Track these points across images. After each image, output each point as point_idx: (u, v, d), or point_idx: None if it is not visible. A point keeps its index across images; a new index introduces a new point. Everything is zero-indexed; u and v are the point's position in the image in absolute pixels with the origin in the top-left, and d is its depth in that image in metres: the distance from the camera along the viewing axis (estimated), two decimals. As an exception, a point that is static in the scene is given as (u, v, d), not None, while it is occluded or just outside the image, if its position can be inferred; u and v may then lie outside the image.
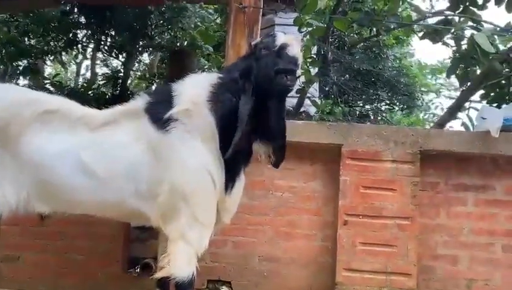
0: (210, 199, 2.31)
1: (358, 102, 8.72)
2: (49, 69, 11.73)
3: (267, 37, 2.41)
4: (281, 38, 2.33)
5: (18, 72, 7.19)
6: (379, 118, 8.39)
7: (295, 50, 2.30)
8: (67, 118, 2.28)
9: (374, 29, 5.93)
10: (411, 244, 3.11)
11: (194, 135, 2.28)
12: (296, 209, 3.26)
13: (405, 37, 8.67)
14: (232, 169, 2.38)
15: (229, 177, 2.37)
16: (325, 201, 3.26)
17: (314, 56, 4.47)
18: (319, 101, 5.40)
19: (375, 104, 8.80)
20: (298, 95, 4.68)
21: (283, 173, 3.23)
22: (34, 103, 2.27)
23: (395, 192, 3.15)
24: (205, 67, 8.00)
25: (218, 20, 8.21)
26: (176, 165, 2.26)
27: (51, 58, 8.11)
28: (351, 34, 7.27)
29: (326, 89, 7.23)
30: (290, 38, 2.35)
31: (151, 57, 9.65)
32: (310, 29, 3.73)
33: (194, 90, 2.35)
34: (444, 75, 9.93)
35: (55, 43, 7.47)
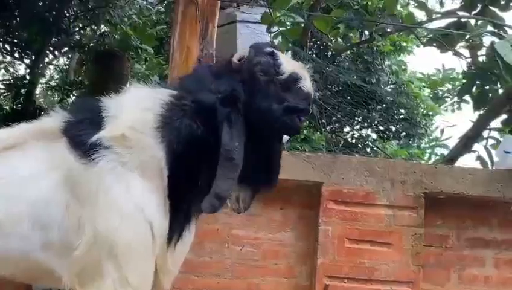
0: (146, 255, 2.25)
1: (344, 127, 8.86)
2: None
3: (258, 54, 2.38)
4: (287, 65, 2.34)
5: None
6: (370, 148, 8.53)
7: (308, 84, 2.34)
8: None
9: (366, 32, 6.07)
10: (412, 318, 3.14)
11: (130, 168, 2.24)
12: (260, 269, 3.25)
13: (406, 44, 8.90)
14: (180, 216, 2.34)
15: (176, 227, 2.33)
16: (299, 258, 3.26)
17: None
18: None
19: (366, 131, 8.95)
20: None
21: (243, 220, 3.23)
22: None
23: (391, 247, 3.18)
24: (140, 74, 7.99)
25: (161, 13, 8.26)
26: (102, 207, 2.21)
27: None
28: (336, 38, 7.42)
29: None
30: (299, 67, 2.38)
31: (68, 59, 9.57)
32: (282, 29, 3.78)
33: (136, 110, 2.32)
34: (444, 88, 10.26)
35: None
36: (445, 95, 10.49)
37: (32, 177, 2.23)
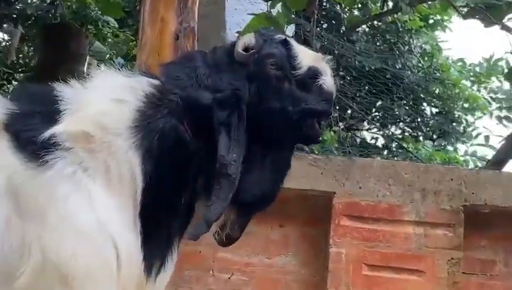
0: (109, 282, 2.22)
1: (362, 123, 8.84)
2: None
3: (268, 42, 2.44)
4: (303, 57, 2.38)
5: None
6: (394, 149, 8.51)
7: (330, 81, 2.36)
8: None
9: (389, 1, 6.05)
10: None
11: (92, 175, 2.23)
12: (253, 303, 3.24)
13: (441, 17, 8.82)
14: (159, 240, 2.32)
15: (156, 253, 2.32)
16: (304, 289, 3.26)
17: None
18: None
19: (390, 128, 8.92)
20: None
21: (233, 240, 3.22)
22: None
23: (422, 276, 3.17)
24: (101, 54, 7.97)
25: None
26: (54, 224, 2.19)
27: None
28: (351, 9, 7.40)
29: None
30: (318, 59, 2.42)
31: (8, 35, 9.56)
32: (283, -3, 3.79)
33: (106, 102, 2.31)
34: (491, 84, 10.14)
35: None
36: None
37: None
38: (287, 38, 2.44)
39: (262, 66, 2.37)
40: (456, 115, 9.02)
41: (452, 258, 3.18)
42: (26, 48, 9.56)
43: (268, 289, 3.27)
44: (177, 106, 2.31)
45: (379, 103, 8.23)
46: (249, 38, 2.44)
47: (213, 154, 2.28)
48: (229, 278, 3.26)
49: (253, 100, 2.35)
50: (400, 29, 8.37)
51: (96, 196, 2.20)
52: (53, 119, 2.26)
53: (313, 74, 2.36)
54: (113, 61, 8.20)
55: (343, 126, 7.96)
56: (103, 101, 2.33)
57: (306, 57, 2.38)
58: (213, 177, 2.32)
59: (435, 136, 9.26)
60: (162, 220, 2.29)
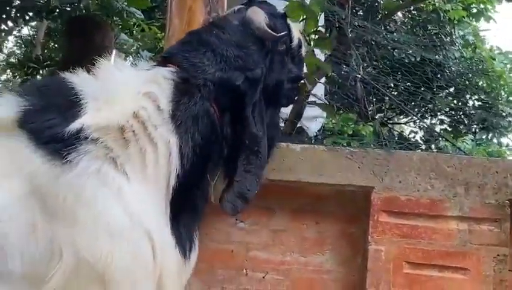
0: (146, 281, 2.30)
1: (400, 116, 8.79)
2: None
3: (274, 18, 2.71)
4: (294, 28, 2.72)
5: None
6: (434, 143, 8.45)
7: (304, 50, 2.77)
8: None
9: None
10: None
11: (122, 165, 2.27)
12: (289, 304, 3.24)
13: (483, 6, 8.72)
14: (189, 221, 2.48)
15: (188, 234, 2.46)
16: (342, 289, 3.26)
17: (323, 30, 4.47)
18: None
19: (430, 121, 8.86)
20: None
21: (267, 239, 3.25)
22: None
23: (466, 274, 3.14)
24: (127, 47, 8.01)
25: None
26: (85, 225, 2.22)
27: None
28: (388, -6, 7.36)
29: (342, 93, 7.25)
30: (298, 29, 2.76)
31: (32, 29, 9.64)
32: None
33: (136, 95, 2.39)
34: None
35: None
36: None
37: None
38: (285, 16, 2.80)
39: (278, 43, 2.63)
40: (500, 108, 8.92)
41: (498, 255, 3.14)
42: (51, 42, 9.64)
43: (305, 289, 3.26)
44: (205, 90, 2.45)
45: (419, 95, 8.17)
46: (263, 16, 2.66)
47: (235, 130, 2.51)
48: (263, 277, 3.27)
49: (267, 75, 2.60)
50: (442, 19, 8.30)
51: (125, 189, 2.26)
52: (71, 111, 2.29)
53: (299, 44, 2.74)
54: (140, 54, 8.25)
55: (380, 119, 7.91)
56: (133, 94, 2.40)
57: (295, 29, 2.71)
58: (236, 153, 2.54)
59: (477, 130, 9.18)
60: (190, 201, 2.43)
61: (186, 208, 2.44)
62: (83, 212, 2.21)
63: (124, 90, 2.39)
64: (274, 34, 2.64)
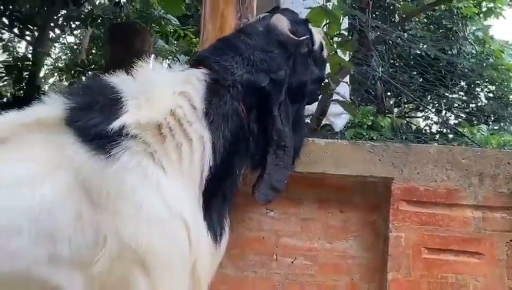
0: (183, 265, 2.31)
1: (417, 110, 8.72)
2: None
3: (297, 24, 2.73)
4: (315, 33, 2.73)
5: None
6: (450, 134, 8.38)
7: (326, 52, 2.81)
8: None
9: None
10: None
11: (160, 159, 2.29)
12: (316, 287, 3.24)
13: (493, 3, 8.62)
14: (219, 210, 2.47)
15: (216, 223, 2.45)
16: (365, 273, 3.24)
17: (345, 33, 4.44)
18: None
19: (445, 114, 8.79)
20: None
21: (295, 226, 3.23)
22: None
23: (481, 258, 3.12)
24: (164, 52, 8.01)
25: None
26: (127, 214, 2.23)
27: None
28: (406, -1, 7.30)
29: (363, 90, 7.22)
30: (319, 33, 2.81)
31: (78, 35, 9.69)
32: (338, -12, 3.75)
33: (173, 95, 2.40)
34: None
35: None
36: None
37: (29, 182, 2.22)
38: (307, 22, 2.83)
39: (300, 46, 2.64)
40: (511, 99, 8.83)
41: (511, 240, 3.12)
42: (95, 48, 9.69)
43: (331, 273, 3.25)
44: (234, 91, 2.47)
45: (434, 90, 8.12)
46: (286, 22, 2.69)
47: (261, 128, 2.54)
48: (292, 262, 3.25)
49: (291, 76, 2.60)
50: (454, 16, 8.24)
51: (163, 182, 2.28)
52: (112, 110, 2.31)
53: (321, 48, 2.78)
54: (177, 58, 8.26)
55: (397, 114, 7.87)
56: (169, 94, 2.43)
57: (316, 33, 2.74)
58: (262, 148, 2.58)
59: (489, 121, 9.09)
60: (220, 191, 2.45)
61: (217, 197, 2.45)
62: (124, 203, 2.23)
63: (161, 90, 2.40)
64: (296, 38, 2.65)
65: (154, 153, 2.28)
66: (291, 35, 2.65)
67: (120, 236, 2.20)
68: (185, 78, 2.47)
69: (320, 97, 4.37)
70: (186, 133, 2.35)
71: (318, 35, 2.80)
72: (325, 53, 2.88)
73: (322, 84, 2.86)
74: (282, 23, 2.69)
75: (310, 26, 2.84)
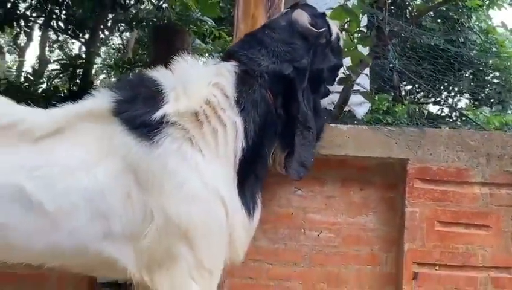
0: (220, 236, 2.35)
1: (429, 97, 8.63)
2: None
3: (315, 17, 2.72)
4: (332, 24, 2.72)
5: None
6: (459, 118, 8.30)
7: (342, 42, 2.83)
8: None
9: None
10: (514, 308, 3.06)
11: (197, 143, 2.32)
12: (340, 257, 3.23)
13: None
14: (252, 186, 2.49)
15: (249, 199, 2.47)
16: (384, 244, 3.23)
17: (364, 30, 4.40)
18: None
19: (453, 99, 8.70)
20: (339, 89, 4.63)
21: (321, 203, 3.23)
22: None
23: (488, 230, 3.10)
24: (201, 50, 8.02)
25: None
26: (170, 192, 2.27)
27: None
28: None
29: (381, 80, 7.17)
30: (336, 25, 2.81)
31: (126, 36, 9.73)
32: (359, -12, 3.73)
33: (208, 86, 2.42)
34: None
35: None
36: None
37: (83, 166, 2.25)
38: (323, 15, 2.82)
39: (320, 38, 2.65)
40: (512, 83, 8.75)
41: (516, 215, 3.10)
42: (140, 47, 9.72)
43: (353, 244, 3.24)
44: (262, 80, 2.48)
45: (444, 78, 8.06)
46: (306, 16, 2.69)
47: (287, 111, 2.55)
48: (318, 235, 3.25)
49: (311, 65, 2.61)
50: (460, 8, 8.13)
51: (201, 163, 2.31)
52: (154, 101, 2.34)
53: (338, 38, 2.79)
54: (212, 56, 8.25)
55: (410, 100, 7.81)
56: (204, 85, 2.44)
57: (333, 25, 2.74)
58: (289, 130, 2.59)
59: (494, 103, 9.00)
60: (252, 170, 2.46)
61: (250, 175, 2.46)
62: (168, 183, 2.26)
63: (197, 83, 2.41)
64: (315, 30, 2.64)
65: (192, 138, 2.31)
66: (312, 28, 2.65)
67: (165, 212, 2.24)
68: (218, 71, 2.48)
69: (342, 87, 4.37)
70: (221, 120, 2.36)
71: (335, 27, 2.81)
72: (341, 43, 2.88)
73: (339, 71, 2.89)
74: (302, 17, 2.68)
75: (328, 19, 2.84)
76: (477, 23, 8.63)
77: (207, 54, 8.65)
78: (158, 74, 2.44)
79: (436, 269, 3.10)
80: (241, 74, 2.46)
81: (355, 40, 3.71)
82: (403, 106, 6.48)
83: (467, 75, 8.21)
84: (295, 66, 2.53)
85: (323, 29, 2.67)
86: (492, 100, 8.84)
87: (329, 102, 4.59)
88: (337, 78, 2.93)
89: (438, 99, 8.82)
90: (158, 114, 2.28)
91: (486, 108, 9.11)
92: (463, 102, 9.04)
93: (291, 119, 2.56)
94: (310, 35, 2.63)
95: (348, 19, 3.48)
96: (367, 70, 5.41)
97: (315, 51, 2.65)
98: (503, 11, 8.64)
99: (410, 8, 7.54)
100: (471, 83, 8.30)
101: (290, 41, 2.60)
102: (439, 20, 8.26)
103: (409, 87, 8.02)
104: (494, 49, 8.49)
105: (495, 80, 8.58)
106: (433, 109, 9.23)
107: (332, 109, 4.73)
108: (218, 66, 2.53)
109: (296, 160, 2.52)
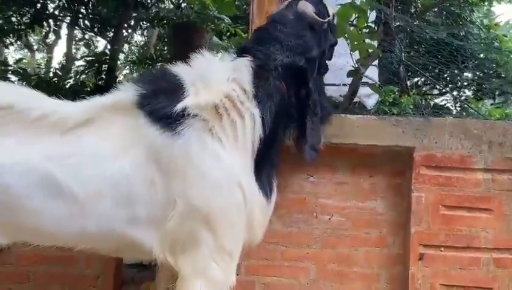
0: (239, 219, 2.36)
1: (433, 88, 8.58)
2: (11, 54, 11.97)
3: (317, 5, 2.72)
4: (329, 6, 2.73)
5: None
6: (462, 108, 8.24)
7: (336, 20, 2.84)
8: (25, 116, 2.24)
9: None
10: (515, 286, 3.05)
11: (219, 136, 2.33)
12: (350, 239, 3.23)
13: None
14: (268, 171, 2.51)
15: (266, 183, 2.49)
16: (392, 227, 3.22)
17: (372, 25, 4.38)
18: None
19: (457, 91, 8.64)
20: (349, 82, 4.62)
21: (332, 189, 3.23)
22: None
23: (490, 213, 3.08)
24: (219, 46, 8.00)
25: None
26: (192, 179, 2.28)
27: (13, 39, 8.22)
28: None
29: (388, 73, 7.13)
30: (330, 5, 2.78)
31: (147, 34, 9.73)
32: (367, -14, 3.70)
33: (226, 80, 2.43)
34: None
35: (18, 18, 7.55)
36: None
37: (110, 156, 2.26)
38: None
39: (323, 25, 2.66)
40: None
41: (517, 199, 3.08)
42: (161, 44, 9.72)
43: (362, 227, 3.24)
44: (276, 73, 2.48)
45: (447, 71, 8.02)
46: (311, 6, 2.69)
47: (298, 100, 2.55)
48: (329, 219, 3.24)
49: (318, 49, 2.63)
50: (461, 3, 8.07)
51: (221, 152, 2.32)
52: (176, 94, 2.35)
53: (333, 17, 2.80)
54: (229, 52, 8.24)
55: (416, 92, 7.77)
56: (223, 80, 2.44)
57: (329, 7, 2.76)
58: (300, 117, 2.59)
59: (496, 96, 8.94)
60: (268, 157, 2.47)
61: (266, 162, 2.47)
62: (190, 171, 2.27)
63: (216, 77, 2.42)
64: (322, 20, 2.66)
65: (212, 129, 2.31)
66: (318, 18, 2.65)
67: (187, 198, 2.25)
68: (235, 67, 2.48)
69: (351, 80, 4.34)
70: (240, 112, 2.37)
71: (330, 7, 2.80)
72: (335, 21, 2.90)
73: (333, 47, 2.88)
74: (308, 8, 2.68)
75: (324, 1, 2.83)
76: (480, 17, 8.56)
77: (224, 50, 8.63)
78: (179, 69, 2.45)
79: (441, 250, 3.09)
80: (257, 69, 2.46)
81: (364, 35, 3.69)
82: (409, 97, 6.43)
83: (470, 67, 8.15)
84: (307, 57, 2.54)
85: (328, 19, 2.68)
86: (494, 93, 8.76)
87: (339, 94, 4.58)
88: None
89: (444, 90, 8.76)
90: (179, 106, 2.29)
91: (489, 101, 9.06)
92: (466, 94, 8.97)
93: (303, 107, 2.57)
94: (317, 25, 2.64)
95: (357, 15, 3.45)
96: (376, 63, 5.39)
97: (320, 38, 2.66)
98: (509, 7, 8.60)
99: (415, 4, 7.48)
100: (475, 76, 8.24)
101: (300, 34, 2.60)
102: (442, 14, 8.19)
103: (415, 79, 7.96)
104: (496, 44, 8.42)
105: (497, 73, 8.50)
106: (438, 100, 9.20)
107: (341, 100, 4.72)
108: (235, 62, 2.53)
109: (309, 144, 2.52)
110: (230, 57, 2.61)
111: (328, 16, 2.75)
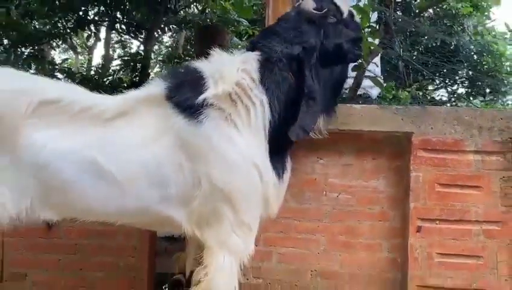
0: (256, 196, 2.37)
1: (430, 85, 8.53)
2: (58, 55, 12.06)
3: (323, 2, 2.60)
4: (342, 5, 2.61)
5: (22, 59, 7.33)
6: (455, 103, 8.20)
7: (358, 19, 2.69)
8: (71, 109, 2.26)
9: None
10: (502, 254, 3.05)
11: (235, 122, 2.34)
12: (355, 214, 3.24)
13: (486, 3, 8.34)
14: (280, 153, 2.48)
15: (279, 164, 2.47)
16: (392, 203, 3.22)
17: (374, 25, 4.35)
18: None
19: (451, 87, 8.60)
20: (354, 75, 4.60)
21: (339, 170, 3.24)
22: (27, 92, 2.23)
23: (480, 190, 3.08)
24: (238, 46, 8.00)
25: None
26: (214, 163, 2.30)
27: (59, 42, 8.28)
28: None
29: (389, 68, 7.09)
30: (347, 4, 2.65)
31: (175, 36, 9.74)
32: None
33: (237, 71, 2.42)
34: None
35: (63, 24, 7.61)
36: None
37: (143, 143, 2.29)
38: None
39: (326, 18, 2.56)
40: (502, 77, 8.62)
41: (503, 177, 3.08)
42: (188, 45, 9.73)
43: (366, 203, 3.24)
44: (281, 63, 2.45)
45: (443, 70, 7.99)
46: (312, 3, 2.59)
47: (301, 86, 2.46)
48: (337, 196, 3.25)
49: (323, 41, 2.53)
50: (454, 14, 8.02)
51: (237, 137, 2.33)
52: (198, 86, 2.36)
53: (351, 14, 2.67)
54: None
55: (416, 87, 7.74)
56: (235, 70, 2.43)
57: (344, 5, 2.63)
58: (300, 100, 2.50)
59: (486, 94, 8.90)
60: (279, 139, 2.42)
61: (278, 144, 2.44)
62: (212, 155, 2.29)
63: (228, 69, 2.42)
64: (317, 12, 2.56)
65: (228, 116, 2.32)
66: (313, 11, 2.57)
67: (210, 180, 2.27)
68: (244, 59, 2.48)
69: (356, 73, 4.33)
70: (251, 98, 2.37)
71: (345, 6, 2.67)
72: (357, 18, 2.76)
73: (360, 43, 2.71)
74: (308, 4, 2.62)
75: (336, 0, 2.68)
76: (473, 25, 8.47)
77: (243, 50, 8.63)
78: (199, 64, 2.46)
79: (437, 223, 3.10)
80: (263, 61, 2.45)
81: (366, 34, 3.67)
82: (408, 93, 6.41)
83: (462, 67, 8.11)
84: (304, 46, 2.48)
85: (324, 10, 2.56)
86: (484, 91, 8.72)
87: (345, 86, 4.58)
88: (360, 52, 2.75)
89: (440, 85, 8.71)
90: (200, 98, 2.31)
91: (479, 98, 9.00)
92: (459, 92, 8.91)
93: (300, 91, 2.50)
94: (315, 18, 2.55)
95: (360, 16, 3.44)
96: (378, 60, 5.36)
97: (326, 30, 2.56)
98: (506, 11, 8.48)
99: (412, 5, 7.42)
100: (469, 73, 8.19)
101: (297, 27, 2.55)
102: (439, 23, 8.14)
103: (413, 75, 7.91)
104: (487, 48, 8.35)
105: (487, 74, 8.45)
106: (434, 96, 9.14)
107: (347, 92, 4.72)
108: (244, 55, 2.53)
109: (298, 124, 2.41)
110: (240, 52, 2.61)
111: (341, 13, 2.65)
